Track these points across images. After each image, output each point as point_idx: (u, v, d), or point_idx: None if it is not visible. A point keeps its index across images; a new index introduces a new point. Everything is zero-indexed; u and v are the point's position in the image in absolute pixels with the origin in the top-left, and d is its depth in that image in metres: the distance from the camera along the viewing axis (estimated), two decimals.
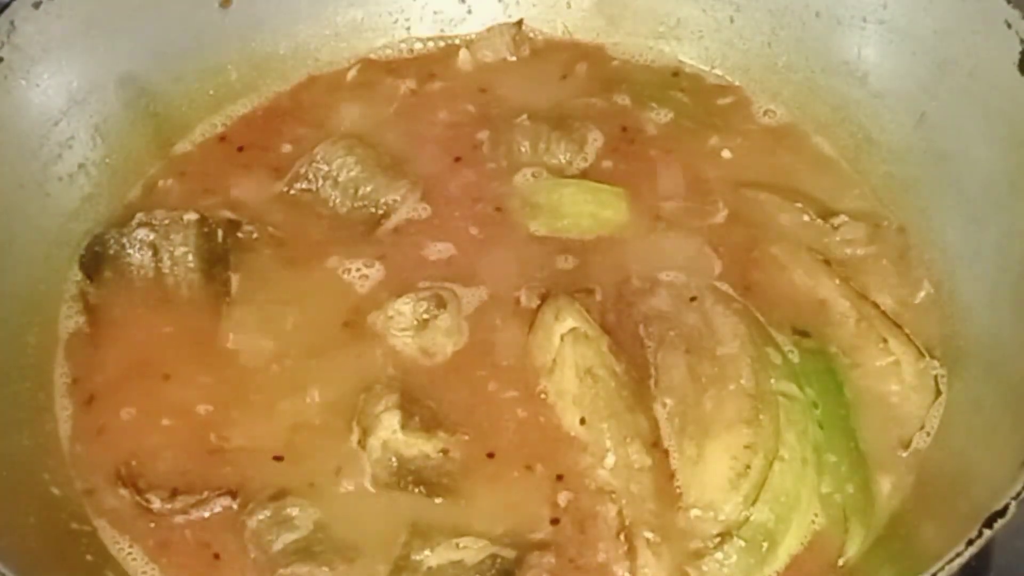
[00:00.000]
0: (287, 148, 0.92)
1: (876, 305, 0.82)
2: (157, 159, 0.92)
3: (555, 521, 0.72)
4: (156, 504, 0.73)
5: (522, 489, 0.74)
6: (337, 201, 0.88)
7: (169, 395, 0.79)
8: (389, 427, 0.74)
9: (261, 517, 0.72)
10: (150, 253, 0.83)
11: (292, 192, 0.89)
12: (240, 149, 0.93)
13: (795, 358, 0.79)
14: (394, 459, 0.74)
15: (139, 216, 0.84)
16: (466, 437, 0.76)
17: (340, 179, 0.88)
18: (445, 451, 0.75)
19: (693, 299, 0.81)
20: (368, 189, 0.88)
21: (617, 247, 0.86)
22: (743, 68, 0.97)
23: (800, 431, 0.74)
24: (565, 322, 0.78)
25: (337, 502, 0.73)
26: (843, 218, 0.87)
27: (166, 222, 0.84)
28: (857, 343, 0.80)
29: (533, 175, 0.90)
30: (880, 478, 0.75)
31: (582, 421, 0.75)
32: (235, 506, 0.73)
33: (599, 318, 0.80)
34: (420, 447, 0.74)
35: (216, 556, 0.72)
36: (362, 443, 0.75)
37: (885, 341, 0.80)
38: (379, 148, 0.91)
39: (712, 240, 0.86)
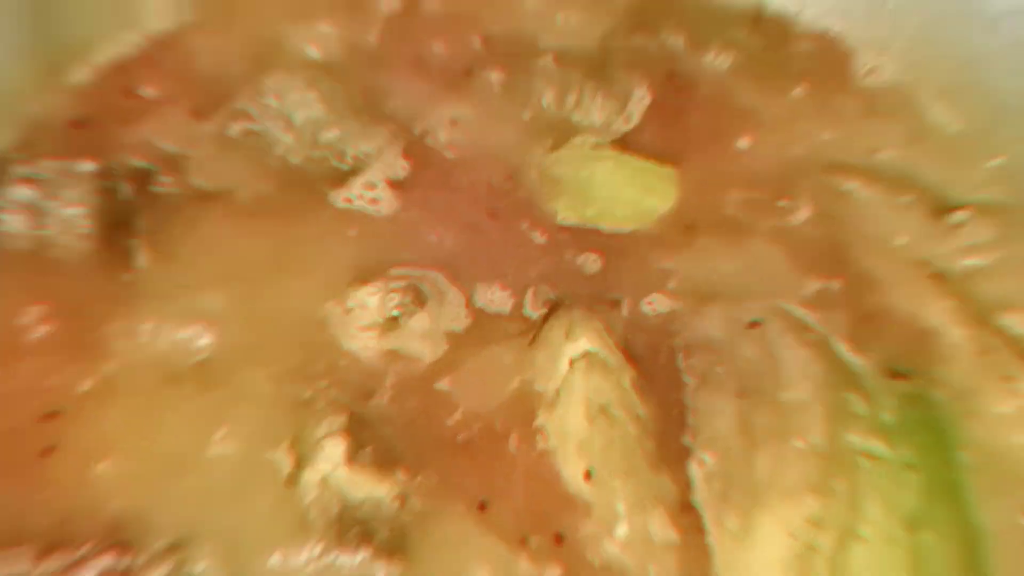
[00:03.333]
0: (223, 76, 0.83)
1: (1002, 332, 0.75)
2: (43, 91, 0.81)
3: None
4: (24, 567, 0.63)
5: (501, 559, 0.65)
6: (290, 147, 0.80)
7: (39, 406, 0.69)
8: (331, 458, 0.66)
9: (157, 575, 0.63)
10: (29, 215, 0.74)
11: (227, 134, 0.80)
12: (158, 78, 0.84)
13: (886, 406, 0.71)
14: (335, 503, 0.65)
15: (17, 168, 0.75)
16: (431, 481, 0.67)
17: (296, 119, 0.81)
18: (402, 498, 0.66)
19: (753, 325, 0.74)
20: (333, 135, 0.81)
21: (658, 247, 0.78)
22: (842, 11, 0.90)
23: (888, 502, 0.67)
24: (578, 342, 0.72)
25: (254, 558, 0.64)
26: (965, 214, 0.80)
27: (53, 174, 0.75)
28: (974, 384, 0.73)
29: (556, 138, 0.81)
30: (1001, 560, 0.67)
31: (587, 475, 0.68)
32: (125, 562, 0.63)
33: (624, 341, 0.73)
34: (370, 489, 0.66)
35: None
36: (293, 477, 0.66)
37: (1011, 380, 0.73)
38: (351, 84, 0.83)
39: (786, 246, 0.79)
